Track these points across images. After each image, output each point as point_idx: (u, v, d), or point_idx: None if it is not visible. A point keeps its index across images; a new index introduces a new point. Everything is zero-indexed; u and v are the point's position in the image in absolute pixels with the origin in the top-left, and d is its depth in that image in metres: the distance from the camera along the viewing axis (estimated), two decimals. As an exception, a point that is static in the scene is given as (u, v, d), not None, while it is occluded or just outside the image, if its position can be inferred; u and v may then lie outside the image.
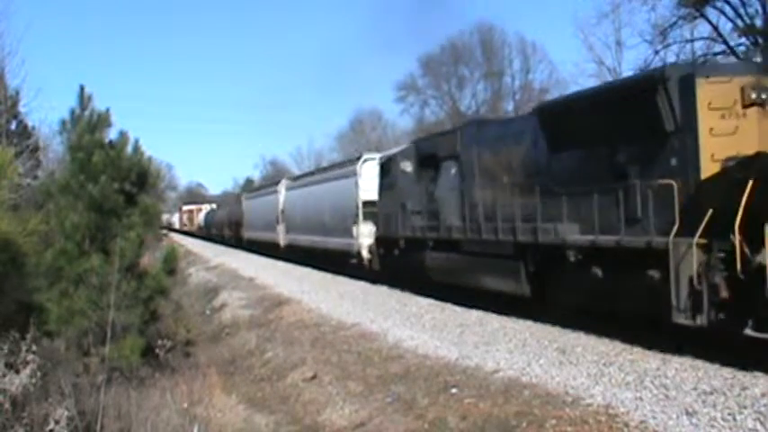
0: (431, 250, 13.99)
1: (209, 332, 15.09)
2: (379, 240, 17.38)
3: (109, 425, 7.04)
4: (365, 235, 18.40)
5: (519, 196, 10.82)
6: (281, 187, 29.56)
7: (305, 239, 24.81)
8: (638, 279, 8.13)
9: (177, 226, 76.84)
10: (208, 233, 55.87)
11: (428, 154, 14.75)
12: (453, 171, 13.49)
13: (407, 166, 15.63)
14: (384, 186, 17.09)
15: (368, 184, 18.77)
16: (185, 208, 78.74)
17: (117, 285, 9.20)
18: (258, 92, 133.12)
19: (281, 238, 28.59)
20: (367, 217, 18.48)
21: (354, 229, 19.09)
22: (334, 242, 20.99)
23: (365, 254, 18.48)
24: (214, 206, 66.60)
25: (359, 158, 20.20)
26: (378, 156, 19.22)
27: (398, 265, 15.97)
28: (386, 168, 17.09)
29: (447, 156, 13.76)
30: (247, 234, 36.89)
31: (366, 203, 18.64)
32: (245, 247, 37.39)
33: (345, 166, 22.24)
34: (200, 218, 64.95)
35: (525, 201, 10.61)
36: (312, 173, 29.58)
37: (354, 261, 19.44)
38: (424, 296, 14.45)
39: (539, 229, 10.23)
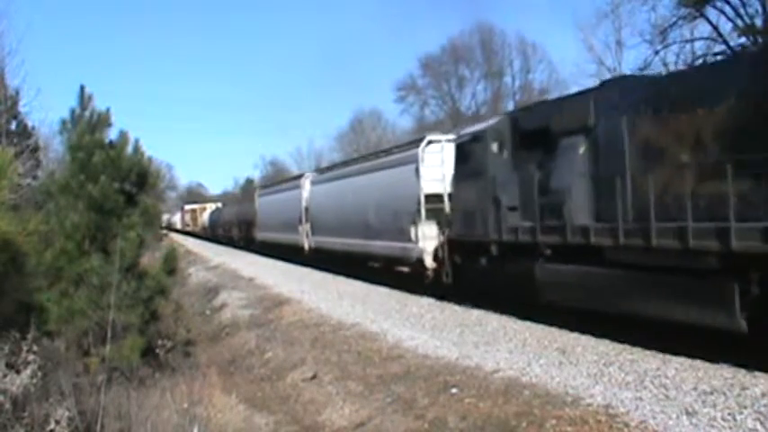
0: (546, 261, 10.30)
1: (209, 332, 15.09)
2: (454, 245, 13.36)
3: (109, 425, 7.04)
4: (429, 237, 14.39)
5: (725, 182, 7.09)
6: (305, 181, 25.47)
7: (338, 243, 20.78)
8: None
9: (179, 226, 74.36)
10: (213, 234, 52.62)
11: (534, 129, 10.97)
12: (581, 150, 9.82)
13: (500, 148, 12.02)
14: (462, 175, 13.11)
15: (431, 173, 14.92)
16: (188, 207, 75.21)
17: (117, 285, 9.20)
18: (258, 92, 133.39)
19: (305, 240, 24.78)
20: (430, 215, 14.67)
21: (414, 230, 15.05)
22: (382, 246, 17.00)
23: (429, 262, 14.39)
24: (219, 205, 63.33)
25: (421, 140, 15.92)
26: (445, 138, 15.35)
27: (487, 279, 12.22)
28: (465, 151, 13.06)
29: (569, 130, 10.06)
30: (261, 235, 33.17)
31: (429, 197, 14.73)
32: (257, 249, 34.08)
33: (402, 150, 17.49)
34: (204, 217, 61.22)
35: (744, 188, 7.08)
36: (346, 163, 24.98)
37: (407, 270, 16.01)
38: (424, 296, 14.45)
39: None
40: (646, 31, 28.01)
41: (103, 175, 10.11)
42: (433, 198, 14.57)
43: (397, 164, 16.80)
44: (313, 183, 24.99)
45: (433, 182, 14.66)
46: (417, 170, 15.23)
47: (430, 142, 15.35)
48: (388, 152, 19.60)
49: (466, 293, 12.98)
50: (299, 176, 27.47)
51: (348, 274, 19.76)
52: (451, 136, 14.90)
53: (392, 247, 16.31)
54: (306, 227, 24.74)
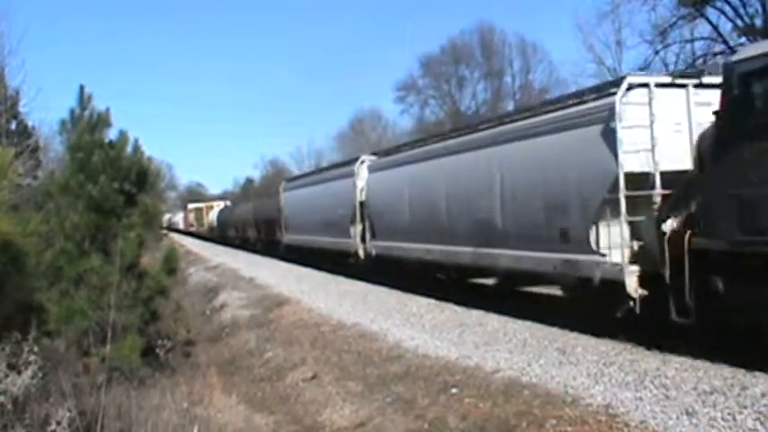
0: None
1: (209, 332, 15.10)
2: (710, 260, 7.53)
3: (109, 425, 7.04)
4: (624, 246, 8.84)
5: None
6: (361, 168, 19.00)
7: (419, 250, 14.90)
8: None
9: (182, 226, 70.19)
10: (222, 235, 47.50)
11: None
12: None
13: None
14: (740, 133, 7.15)
15: (635, 137, 8.85)
16: (191, 206, 69.16)
17: (117, 285, 9.21)
18: (258, 92, 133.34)
19: (360, 245, 18.78)
20: (634, 207, 8.86)
21: (599, 233, 9.40)
22: (519, 258, 11.09)
23: (632, 286, 8.61)
24: (228, 203, 58.41)
25: (614, 83, 9.56)
26: (657, 79, 9.06)
27: None
28: (748, 89, 7.22)
29: None
30: (289, 237, 26.56)
31: (631, 179, 8.83)
32: (284, 255, 27.64)
33: (574, 103, 10.33)
34: (211, 217, 55.08)
35: None
36: (440, 137, 15.96)
37: (563, 294, 11.34)
38: (425, 296, 14.45)
39: None
40: (646, 31, 28.09)
41: (103, 175, 10.12)
42: (636, 179, 8.84)
43: (565, 125, 10.14)
44: (374, 169, 18.44)
45: (638, 154, 8.79)
46: (611, 132, 8.96)
47: (631, 87, 9.02)
48: (538, 109, 11.74)
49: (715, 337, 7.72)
50: (351, 161, 20.45)
51: (429, 293, 14.36)
52: (664, 78, 9.22)
53: (544, 259, 10.41)
54: (358, 228, 18.88)
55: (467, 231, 12.69)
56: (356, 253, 19.00)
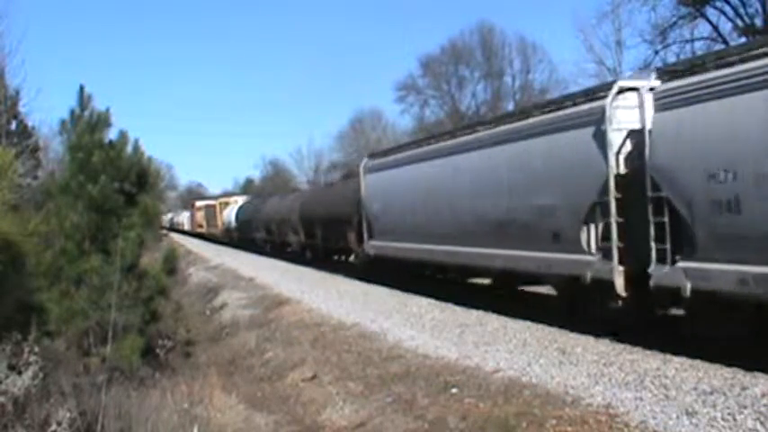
0: None
1: (209, 332, 15.10)
2: None
3: (109, 425, 7.04)
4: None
5: None
6: (621, 105, 9.04)
7: None
8: None
9: (187, 227, 61.73)
10: (243, 238, 37.82)
11: None
12: None
13: None
14: None
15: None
16: (200, 203, 58.47)
17: (117, 285, 9.21)
18: (258, 92, 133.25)
19: (614, 270, 8.67)
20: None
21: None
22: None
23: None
24: (248, 198, 48.45)
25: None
26: None
27: None
28: None
29: None
30: (380, 245, 17.06)
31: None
32: (364, 273, 18.20)
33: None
34: (226, 216, 44.28)
35: None
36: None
37: None
38: (425, 296, 14.46)
39: None
40: (646, 31, 28.03)
41: (103, 175, 10.12)
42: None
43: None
44: (670, 103, 8.24)
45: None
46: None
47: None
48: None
49: None
50: (593, 94, 9.63)
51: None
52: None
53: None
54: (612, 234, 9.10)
55: None
56: (598, 284, 9.18)
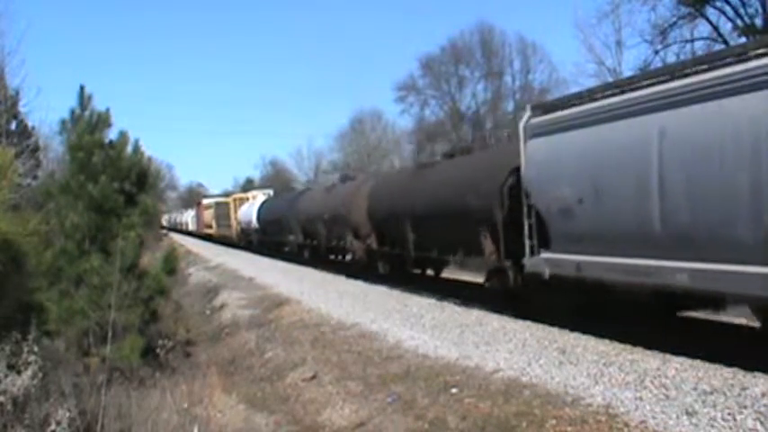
0: None
1: (209, 332, 15.09)
2: None
3: (109, 425, 7.05)
4: None
5: None
6: None
7: None
8: None
9: (192, 227, 55.92)
10: (266, 241, 30.59)
11: None
12: None
13: None
14: None
15: None
16: (207, 201, 50.83)
17: (117, 285, 9.22)
18: (258, 92, 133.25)
19: None
20: None
21: None
22: None
23: None
24: (270, 192, 39.96)
25: None
26: None
27: None
28: None
29: None
30: (568, 258, 9.35)
31: None
32: (541, 312, 10.55)
33: None
34: (243, 214, 35.87)
35: None
36: None
37: None
38: (425, 296, 14.45)
39: None
40: (646, 31, 28.06)
41: (103, 175, 10.15)
42: None
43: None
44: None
45: None
46: None
47: None
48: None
49: None
50: None
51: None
52: None
53: None
54: None
55: None
56: None
